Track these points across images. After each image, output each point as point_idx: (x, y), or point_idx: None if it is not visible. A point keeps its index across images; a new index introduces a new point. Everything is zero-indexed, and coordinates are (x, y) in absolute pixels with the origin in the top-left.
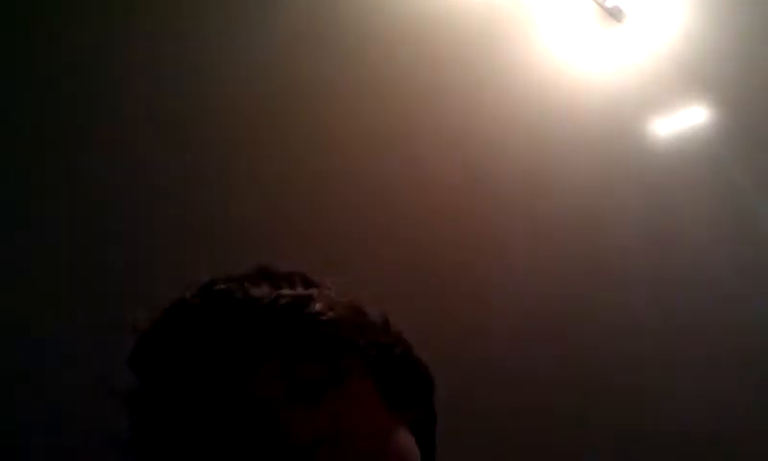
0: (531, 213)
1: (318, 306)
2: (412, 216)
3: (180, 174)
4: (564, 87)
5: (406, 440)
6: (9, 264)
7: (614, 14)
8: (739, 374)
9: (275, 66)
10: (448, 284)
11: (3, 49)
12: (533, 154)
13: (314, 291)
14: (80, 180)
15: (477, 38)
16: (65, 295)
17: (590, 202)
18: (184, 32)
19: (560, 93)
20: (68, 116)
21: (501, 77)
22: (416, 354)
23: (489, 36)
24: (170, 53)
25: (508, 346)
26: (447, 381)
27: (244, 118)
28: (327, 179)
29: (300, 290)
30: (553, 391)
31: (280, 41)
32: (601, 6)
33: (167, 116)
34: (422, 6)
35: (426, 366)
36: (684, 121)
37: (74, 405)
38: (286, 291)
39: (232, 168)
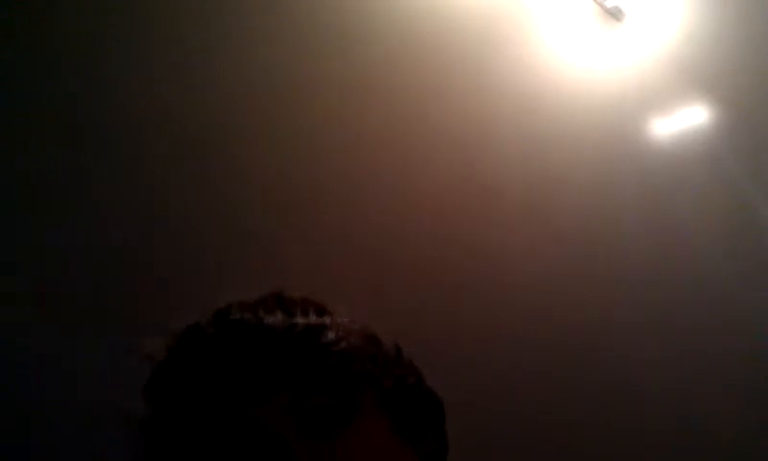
0: (531, 213)
1: (331, 336)
2: (412, 216)
3: (180, 174)
4: (563, 87)
5: None
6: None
7: (614, 14)
8: (739, 373)
9: (274, 66)
10: (448, 285)
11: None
12: (533, 153)
13: (327, 319)
14: (80, 179)
15: (477, 38)
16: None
17: (590, 201)
18: (185, 32)
19: (560, 93)
20: (68, 116)
21: (501, 76)
22: (427, 384)
23: (489, 35)
24: (170, 53)
25: (508, 346)
26: (447, 381)
27: (244, 118)
28: (326, 179)
29: (313, 319)
30: (553, 391)
31: (280, 41)
32: (601, 6)
33: (165, 116)
34: (423, 6)
35: (438, 395)
36: (683, 121)
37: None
38: (299, 320)
39: (232, 168)
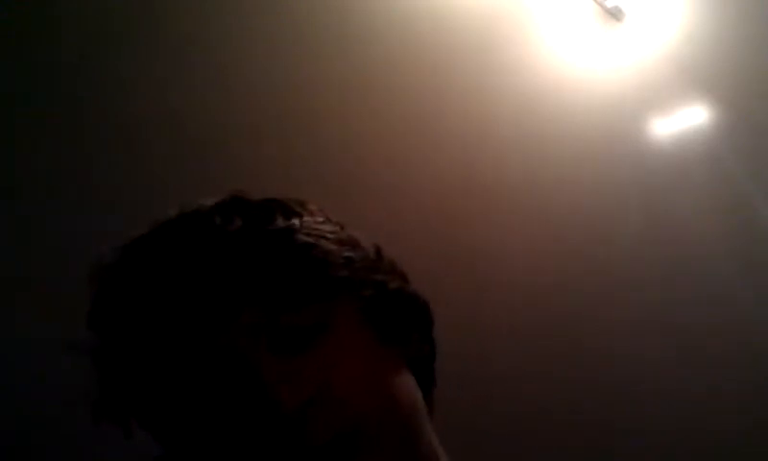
0: (531, 213)
1: (301, 239)
2: (411, 216)
3: (179, 174)
4: (564, 87)
5: (405, 383)
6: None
7: (614, 14)
8: (739, 372)
9: (274, 66)
10: (448, 285)
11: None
12: (533, 153)
13: (296, 221)
14: (80, 179)
15: (477, 38)
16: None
17: (590, 200)
18: (184, 32)
19: (560, 93)
20: (67, 116)
21: (501, 77)
22: (411, 288)
23: (489, 35)
24: (170, 53)
25: (508, 346)
26: (447, 382)
27: (244, 118)
28: (326, 179)
29: (280, 221)
30: (553, 391)
31: (281, 41)
32: (601, 6)
33: (165, 116)
34: (422, 6)
35: (423, 298)
36: (683, 121)
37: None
38: (263, 224)
39: (231, 168)
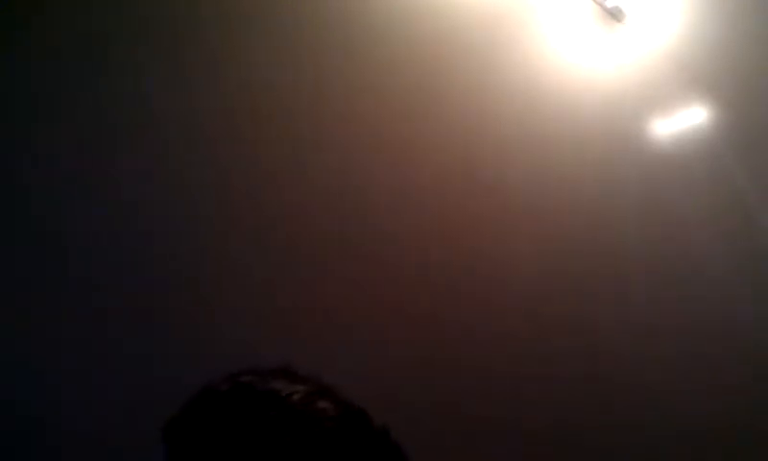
0: (531, 212)
1: (323, 406)
2: (412, 216)
3: (180, 174)
4: (564, 87)
5: None
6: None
7: (614, 14)
8: (739, 371)
9: (276, 66)
10: (448, 285)
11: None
12: (533, 153)
13: (323, 404)
14: (79, 178)
15: (478, 38)
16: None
17: (590, 200)
18: (184, 32)
19: (560, 93)
20: (67, 116)
21: (502, 76)
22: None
23: (489, 36)
24: (169, 53)
25: (508, 347)
26: (448, 383)
27: (244, 118)
28: (327, 179)
29: (311, 388)
30: (554, 391)
31: (282, 41)
32: (601, 6)
33: (165, 116)
34: (425, 6)
35: None
36: (683, 120)
37: None
38: (299, 386)
39: (232, 167)
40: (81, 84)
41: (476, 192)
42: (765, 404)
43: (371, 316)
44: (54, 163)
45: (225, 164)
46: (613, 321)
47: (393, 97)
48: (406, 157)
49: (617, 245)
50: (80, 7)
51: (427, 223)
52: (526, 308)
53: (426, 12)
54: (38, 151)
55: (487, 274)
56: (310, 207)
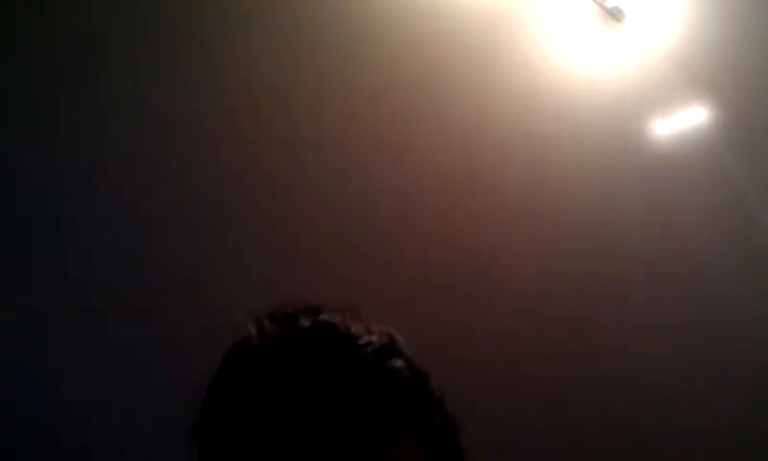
0: (531, 212)
1: (399, 364)
2: (412, 216)
3: (180, 174)
4: (564, 87)
5: None
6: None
7: (614, 14)
8: (739, 371)
9: (276, 66)
10: (448, 285)
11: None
12: (533, 153)
13: (399, 362)
14: (80, 178)
15: (478, 39)
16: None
17: (590, 200)
18: (184, 32)
19: (560, 93)
20: (66, 116)
21: (502, 77)
22: (460, 434)
23: (489, 36)
24: (169, 53)
25: (509, 347)
26: (449, 384)
27: (244, 118)
28: (327, 179)
29: (380, 340)
30: (554, 391)
31: (282, 41)
32: (601, 6)
33: (165, 116)
34: (424, 6)
35: (457, 421)
36: (683, 121)
37: None
38: (367, 338)
39: (232, 167)
40: (81, 84)
41: (476, 192)
42: (765, 404)
43: (371, 316)
44: (54, 163)
45: (225, 164)
46: (613, 321)
47: (393, 97)
48: (406, 157)
49: (617, 245)
50: (80, 7)
51: (427, 223)
52: (526, 308)
53: (426, 12)
54: (38, 151)
55: (487, 274)
56: (310, 207)
